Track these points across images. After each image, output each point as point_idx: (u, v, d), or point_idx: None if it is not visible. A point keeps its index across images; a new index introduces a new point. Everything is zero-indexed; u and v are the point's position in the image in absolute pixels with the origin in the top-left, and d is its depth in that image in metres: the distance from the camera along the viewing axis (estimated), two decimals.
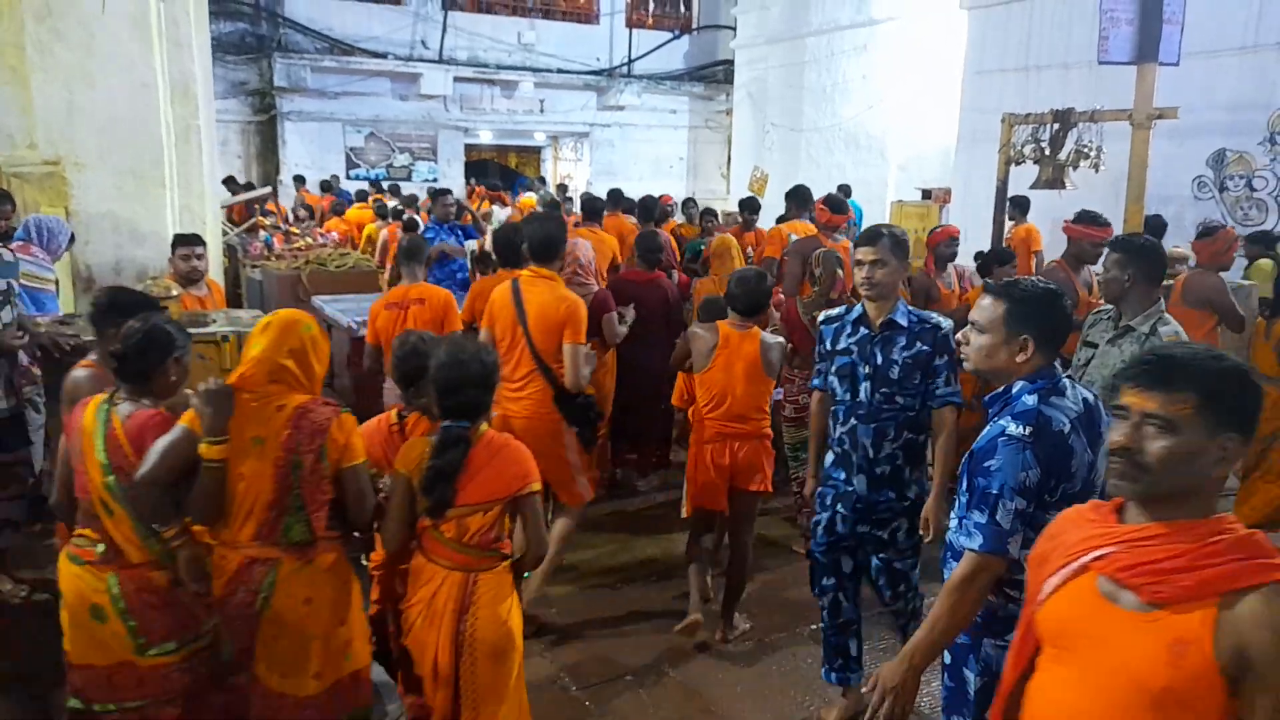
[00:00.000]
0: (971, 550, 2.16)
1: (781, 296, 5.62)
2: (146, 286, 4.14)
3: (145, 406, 2.64)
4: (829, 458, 3.45)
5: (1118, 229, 7.77)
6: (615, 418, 5.59)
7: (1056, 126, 7.31)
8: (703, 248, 7.48)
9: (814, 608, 4.50)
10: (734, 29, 17.44)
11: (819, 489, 3.49)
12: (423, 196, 12.80)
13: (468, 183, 17.07)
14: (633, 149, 19.10)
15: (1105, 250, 3.66)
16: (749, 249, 8.10)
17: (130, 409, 2.63)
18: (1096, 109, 7.15)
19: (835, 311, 3.42)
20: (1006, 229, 8.75)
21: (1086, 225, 5.24)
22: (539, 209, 9.46)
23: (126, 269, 5.31)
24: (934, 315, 3.24)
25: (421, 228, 8.38)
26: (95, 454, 2.60)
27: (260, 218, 10.92)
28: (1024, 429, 2.16)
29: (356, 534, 2.83)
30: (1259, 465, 5.06)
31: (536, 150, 20.06)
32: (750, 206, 8.45)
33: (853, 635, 3.53)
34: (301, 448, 2.56)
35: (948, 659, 2.41)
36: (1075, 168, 7.36)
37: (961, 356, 2.45)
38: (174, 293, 4.20)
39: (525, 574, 3.09)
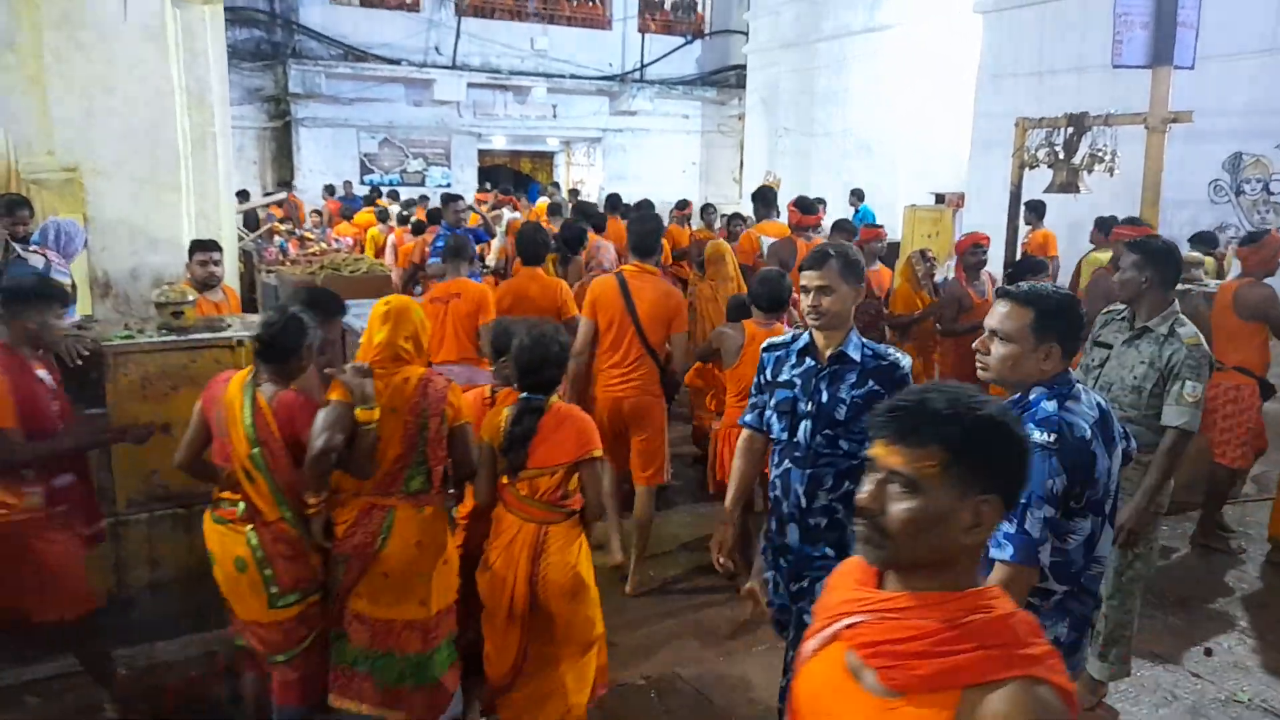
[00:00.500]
0: (1003, 561, 2.14)
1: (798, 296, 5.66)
2: (164, 292, 4.17)
3: (284, 388, 2.99)
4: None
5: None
6: None
7: (1070, 130, 7.28)
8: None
9: None
10: (746, 34, 17.46)
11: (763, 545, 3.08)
12: (434, 200, 12.92)
13: (481, 188, 17.15)
14: (645, 154, 19.14)
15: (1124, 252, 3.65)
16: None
17: (273, 389, 2.97)
18: (1111, 113, 7.12)
19: (779, 338, 2.98)
20: (1022, 233, 8.73)
21: (1130, 228, 5.43)
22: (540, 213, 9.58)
23: (143, 275, 5.34)
24: (892, 351, 2.84)
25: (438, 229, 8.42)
26: (242, 428, 2.93)
27: (275, 223, 11.00)
28: (1048, 436, 2.14)
29: (451, 490, 3.26)
30: None
31: (549, 155, 20.13)
32: (764, 198, 8.34)
33: None
34: (428, 412, 3.04)
35: None
36: (1090, 172, 7.33)
37: (979, 365, 2.38)
38: (190, 298, 4.22)
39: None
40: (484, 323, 4.84)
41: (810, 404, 2.79)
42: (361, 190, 15.93)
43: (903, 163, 13.36)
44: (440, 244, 7.67)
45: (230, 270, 6.24)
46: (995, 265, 7.12)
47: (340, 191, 15.83)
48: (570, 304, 5.13)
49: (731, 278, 6.21)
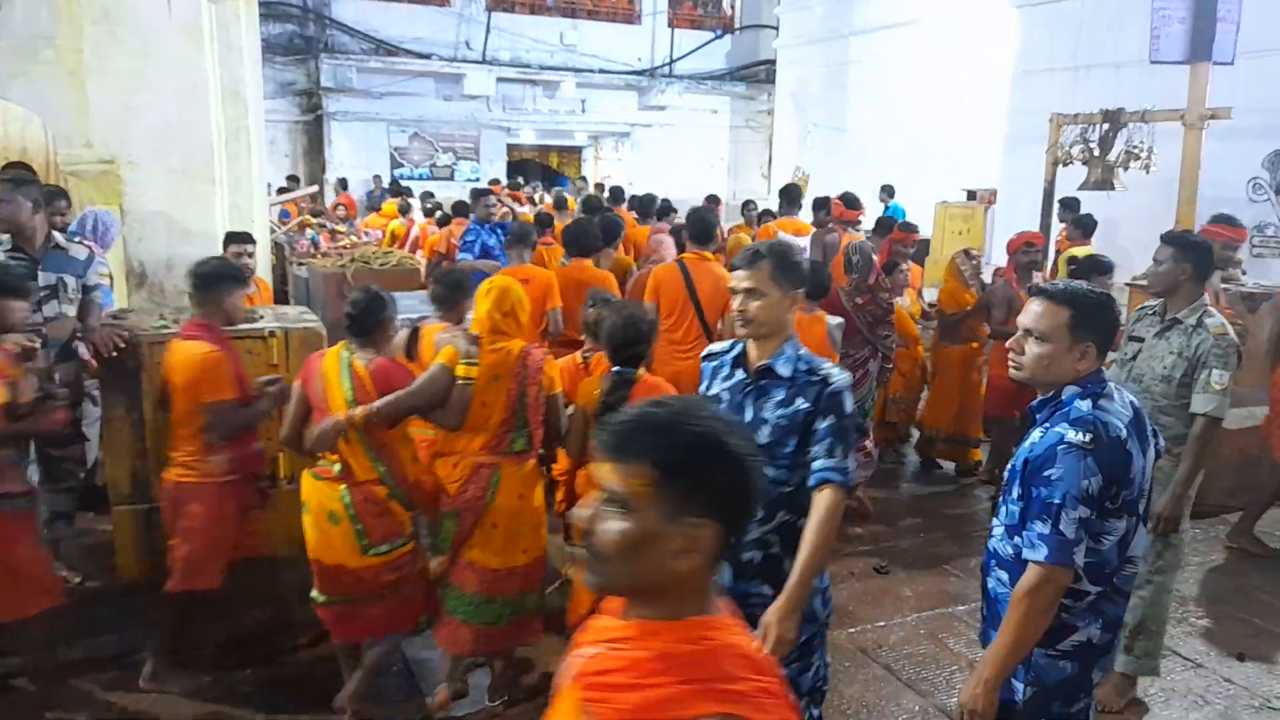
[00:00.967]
0: (1036, 562, 2.12)
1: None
2: None
3: (376, 355, 3.32)
4: None
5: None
6: None
7: (1106, 127, 7.19)
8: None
9: (849, 611, 4.49)
10: (776, 29, 17.37)
11: None
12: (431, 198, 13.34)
13: (512, 183, 17.20)
14: (673, 149, 19.09)
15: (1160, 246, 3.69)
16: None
17: (367, 357, 3.29)
18: (1147, 109, 7.02)
19: (719, 346, 2.71)
20: (1056, 231, 8.63)
21: (1223, 226, 5.37)
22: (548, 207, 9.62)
23: (178, 266, 5.42)
24: (825, 365, 2.51)
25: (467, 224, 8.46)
26: (340, 393, 3.24)
27: (308, 216, 11.10)
28: (1084, 436, 2.11)
29: (540, 451, 3.60)
30: None
31: (577, 150, 20.14)
32: (790, 196, 8.37)
33: None
34: (527, 380, 3.39)
35: None
36: (1125, 169, 7.24)
37: (1012, 365, 2.34)
38: None
39: None
40: (550, 308, 5.16)
41: None
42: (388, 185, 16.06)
43: (934, 159, 13.22)
44: (470, 238, 7.72)
45: (263, 262, 6.32)
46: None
47: (370, 186, 16.03)
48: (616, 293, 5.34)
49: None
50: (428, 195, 13.39)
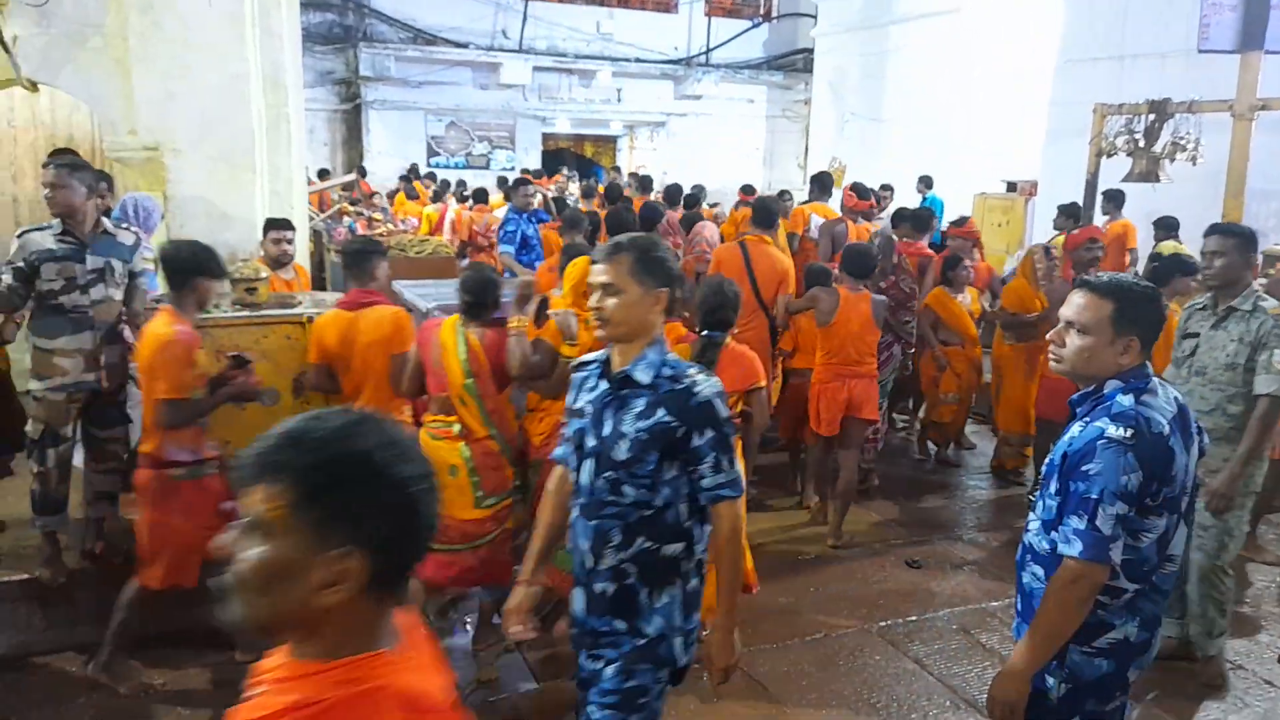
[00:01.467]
0: (1071, 557, 2.09)
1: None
2: (238, 269, 4.29)
3: (487, 328, 3.66)
4: None
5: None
6: None
7: (1152, 117, 7.05)
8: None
9: (880, 604, 4.47)
10: (814, 17, 17.20)
11: None
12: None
13: (553, 171, 17.24)
14: (709, 138, 18.99)
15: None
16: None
17: (480, 331, 3.65)
18: (1195, 99, 6.86)
19: (590, 355, 2.44)
20: (1100, 224, 8.47)
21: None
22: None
23: (218, 251, 5.50)
24: (692, 372, 2.24)
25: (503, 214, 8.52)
26: (457, 361, 3.60)
27: (345, 204, 11.21)
28: (1125, 431, 2.07)
29: None
30: None
31: (613, 140, 20.12)
32: (821, 183, 8.34)
33: None
34: None
35: None
36: (1171, 160, 7.09)
37: (1052, 358, 2.30)
38: (263, 275, 4.34)
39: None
40: None
41: (594, 437, 2.28)
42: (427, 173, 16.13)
43: (973, 149, 13.02)
44: (510, 229, 7.77)
45: (301, 249, 6.39)
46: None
47: (390, 175, 15.95)
48: None
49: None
50: (455, 184, 13.45)
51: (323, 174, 14.15)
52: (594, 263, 2.29)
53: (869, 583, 4.73)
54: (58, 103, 6.83)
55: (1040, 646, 2.16)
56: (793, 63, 19.17)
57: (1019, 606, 2.38)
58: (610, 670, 2.27)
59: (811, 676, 3.87)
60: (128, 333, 4.14)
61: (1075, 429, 2.21)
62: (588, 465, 2.29)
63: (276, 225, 5.16)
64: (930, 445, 6.71)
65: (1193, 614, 3.86)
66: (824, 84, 16.71)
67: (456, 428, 3.64)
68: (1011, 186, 12.27)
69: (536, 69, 17.35)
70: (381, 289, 4.09)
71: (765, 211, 5.95)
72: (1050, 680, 2.23)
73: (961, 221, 7.20)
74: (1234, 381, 3.63)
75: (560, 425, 3.50)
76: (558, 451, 2.48)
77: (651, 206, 7.36)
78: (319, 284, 8.48)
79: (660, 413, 2.18)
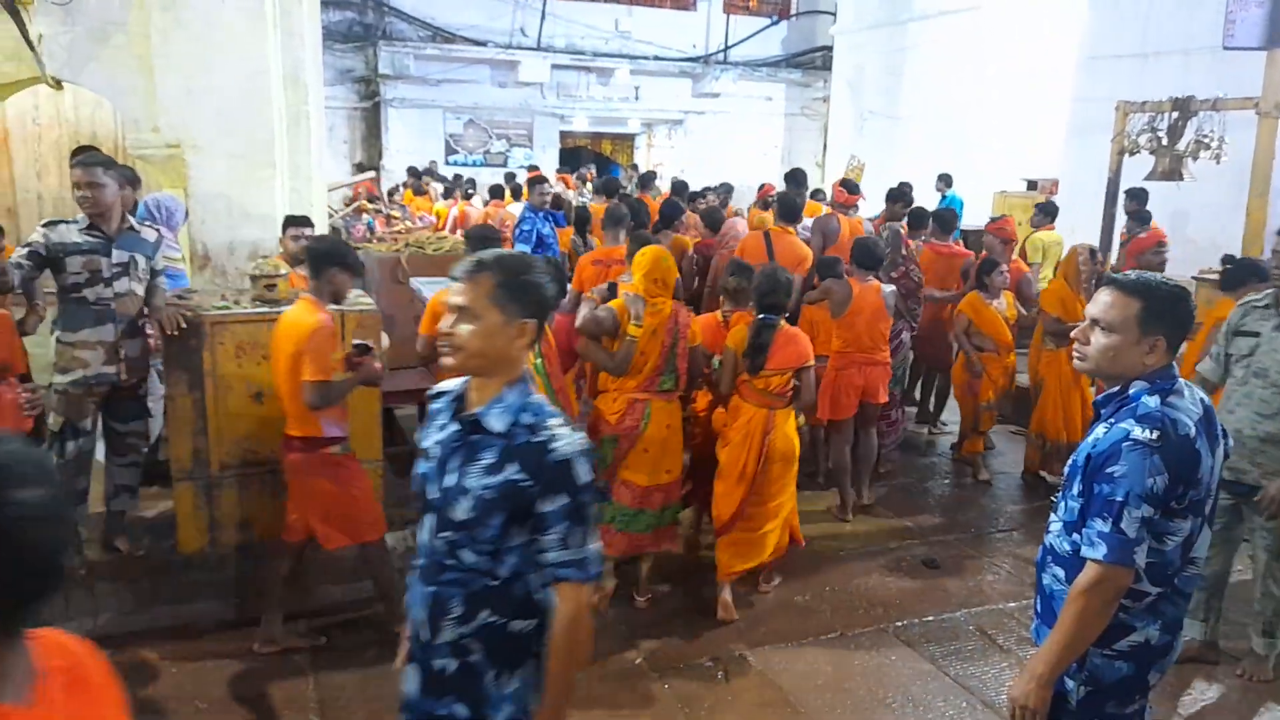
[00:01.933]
0: (1095, 560, 2.07)
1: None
2: (258, 265, 4.32)
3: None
4: None
5: (1239, 224, 7.37)
6: None
7: (1175, 115, 6.98)
8: None
9: (897, 604, 4.44)
10: (834, 14, 17.12)
11: None
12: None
13: (575, 169, 17.27)
14: (727, 136, 18.96)
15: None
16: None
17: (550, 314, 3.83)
18: (1219, 97, 6.78)
19: (446, 384, 2.08)
20: (1121, 222, 8.39)
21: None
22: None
23: (239, 248, 5.54)
24: (554, 420, 1.91)
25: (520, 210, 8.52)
26: None
27: (364, 201, 11.27)
28: (1151, 433, 2.04)
29: (682, 393, 4.32)
30: None
31: (630, 137, 20.12)
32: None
33: None
34: (677, 334, 4.15)
35: None
36: (1194, 159, 7.01)
37: (1076, 355, 2.27)
38: (282, 271, 4.36)
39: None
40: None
41: (436, 489, 1.95)
42: (445, 171, 16.20)
43: (991, 147, 12.93)
44: (526, 228, 7.77)
45: None
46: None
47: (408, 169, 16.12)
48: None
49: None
50: (461, 179, 13.62)
51: (360, 168, 14.30)
52: (453, 278, 1.95)
53: (886, 582, 4.71)
54: (81, 100, 6.89)
55: (1063, 650, 2.14)
56: (811, 60, 19.10)
57: (1038, 608, 2.36)
58: None
59: (827, 675, 3.85)
60: (149, 328, 4.19)
61: (1100, 430, 2.18)
62: (428, 520, 1.98)
63: (296, 222, 5.19)
64: (965, 461, 6.38)
65: (1254, 611, 3.87)
66: (843, 82, 16.64)
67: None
68: (1032, 185, 12.16)
69: (555, 67, 17.37)
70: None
71: (788, 205, 6.48)
72: (1070, 683, 2.21)
73: (995, 220, 7.13)
74: None
75: (632, 402, 4.10)
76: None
77: (672, 204, 7.41)
78: None
79: (512, 468, 1.85)
